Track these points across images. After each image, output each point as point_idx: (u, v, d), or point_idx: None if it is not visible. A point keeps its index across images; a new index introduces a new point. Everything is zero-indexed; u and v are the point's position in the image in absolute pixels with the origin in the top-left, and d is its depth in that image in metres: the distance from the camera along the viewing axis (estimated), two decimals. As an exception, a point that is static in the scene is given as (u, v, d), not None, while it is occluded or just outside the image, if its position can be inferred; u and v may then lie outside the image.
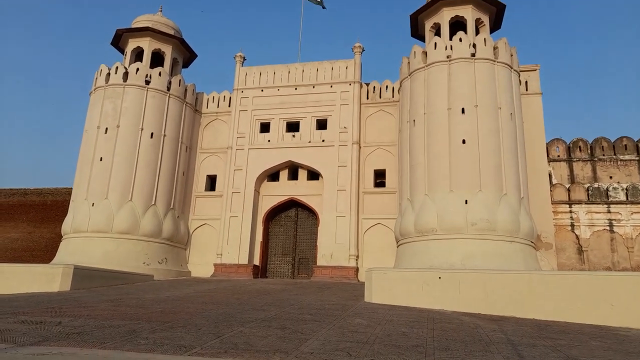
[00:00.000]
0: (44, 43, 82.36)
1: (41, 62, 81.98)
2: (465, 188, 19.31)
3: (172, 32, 27.30)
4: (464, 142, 19.95)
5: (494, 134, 20.15)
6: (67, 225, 23.30)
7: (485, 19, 23.21)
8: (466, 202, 19.08)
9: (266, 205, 25.93)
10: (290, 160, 25.68)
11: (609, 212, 22.90)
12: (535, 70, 25.21)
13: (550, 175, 24.44)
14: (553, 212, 23.08)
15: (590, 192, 23.42)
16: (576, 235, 22.88)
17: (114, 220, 22.53)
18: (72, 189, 24.69)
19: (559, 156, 25.26)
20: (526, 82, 24.87)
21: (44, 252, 27.68)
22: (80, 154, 24.66)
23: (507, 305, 12.79)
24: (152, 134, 24.50)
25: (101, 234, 22.35)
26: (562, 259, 22.49)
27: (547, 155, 24.55)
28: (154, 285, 19.89)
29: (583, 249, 22.65)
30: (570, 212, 23.18)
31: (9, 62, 79.46)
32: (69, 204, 24.56)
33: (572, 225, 23.02)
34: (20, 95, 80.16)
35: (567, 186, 23.87)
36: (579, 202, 23.25)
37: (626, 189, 23.07)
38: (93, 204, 22.78)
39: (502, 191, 19.45)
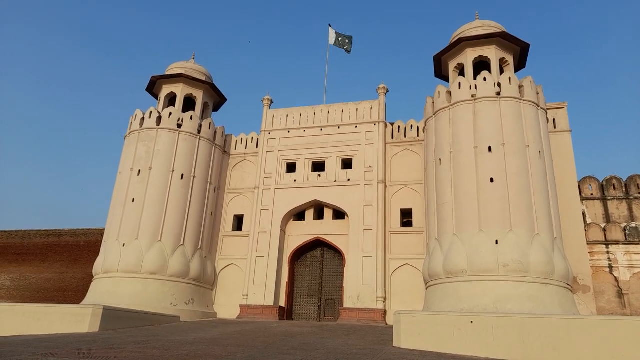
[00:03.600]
0: (85, 90, 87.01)
1: (80, 108, 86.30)
2: (495, 228, 18.83)
3: (203, 77, 28.48)
4: (492, 180, 19.62)
5: (523, 172, 19.77)
6: (98, 265, 23.73)
7: (510, 58, 23.32)
8: (497, 242, 18.54)
9: (292, 245, 25.86)
10: (315, 200, 25.75)
11: (649, 252, 21.80)
12: (563, 107, 24.92)
13: (584, 215, 23.63)
14: (589, 252, 22.14)
15: (627, 231, 22.45)
16: (615, 277, 21.78)
17: (144, 260, 22.84)
18: (104, 229, 25.31)
19: (592, 195, 24.48)
20: (554, 120, 24.56)
21: (75, 292, 28.14)
22: (114, 195, 25.41)
23: (543, 351, 12.15)
24: (182, 175, 25.12)
25: (131, 274, 22.63)
26: (602, 303, 21.34)
27: (580, 194, 23.82)
28: (181, 326, 19.82)
29: (623, 292, 21.48)
30: (608, 252, 22.18)
31: (53, 108, 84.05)
32: (101, 244, 25.10)
33: (610, 267, 21.97)
34: (58, 140, 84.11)
35: (603, 226, 22.97)
36: (617, 243, 22.27)
37: (666, 228, 22.02)
38: (124, 244, 23.22)
39: (534, 231, 18.86)
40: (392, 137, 26.17)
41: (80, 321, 16.96)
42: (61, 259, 30.20)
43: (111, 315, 17.76)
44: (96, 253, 25.70)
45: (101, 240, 25.33)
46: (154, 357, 11.19)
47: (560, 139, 23.95)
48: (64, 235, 31.08)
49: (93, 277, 24.09)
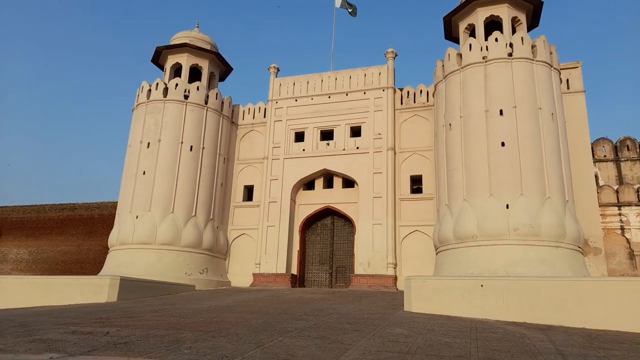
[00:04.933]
0: (91, 62, 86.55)
1: (89, 80, 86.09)
2: (505, 192, 18.75)
3: (208, 46, 28.12)
4: (503, 144, 19.41)
5: (535, 136, 19.50)
6: (113, 237, 24.23)
7: (522, 17, 22.61)
8: (507, 206, 18.51)
9: (302, 214, 26.08)
10: (325, 169, 25.76)
11: (662, 213, 21.65)
12: (577, 67, 24.28)
13: (596, 177, 23.41)
14: (601, 215, 22.05)
15: (641, 193, 22.24)
16: (627, 239, 21.74)
17: (157, 232, 23.25)
18: (117, 202, 25.69)
19: (605, 156, 24.16)
20: (567, 80, 24.00)
21: (92, 264, 28.88)
22: (124, 168, 25.65)
23: (554, 313, 12.30)
24: (191, 146, 25.20)
25: (145, 245, 23.10)
26: (613, 265, 21.40)
27: (593, 156, 23.52)
28: (196, 295, 20.33)
29: (635, 253, 21.48)
30: (620, 214, 22.07)
31: (61, 84, 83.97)
32: (114, 217, 25.55)
33: (622, 229, 21.90)
34: (68, 113, 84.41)
35: (615, 187, 22.76)
36: (629, 204, 22.11)
37: (681, 189, 21.77)
38: (137, 216, 23.60)
39: (545, 194, 18.76)
40: (401, 103, 25.83)
41: (98, 292, 17.49)
42: (77, 232, 30.87)
43: (128, 286, 18.27)
44: (110, 225, 26.19)
45: (115, 213, 25.78)
46: (172, 324, 11.54)
47: (574, 100, 23.46)
48: (78, 208, 31.65)
49: (109, 249, 24.65)
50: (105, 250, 26.43)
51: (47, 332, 10.38)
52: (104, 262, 24.97)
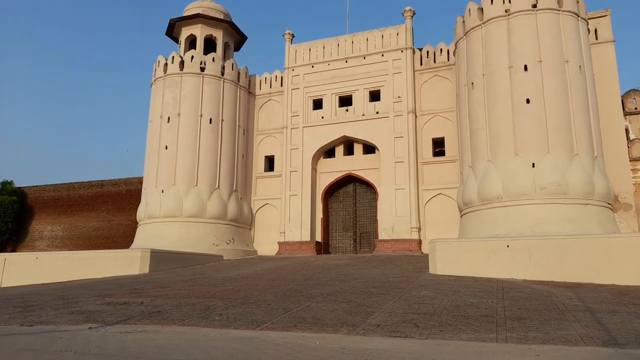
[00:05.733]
0: (106, 37, 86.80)
1: (102, 54, 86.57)
2: (531, 151, 18.31)
3: (221, 16, 27.75)
4: (527, 101, 18.82)
5: (561, 91, 18.81)
6: (141, 212, 24.89)
7: (546, -34, 21.38)
8: (533, 165, 18.12)
9: (324, 182, 26.13)
10: (344, 136, 25.57)
11: (697, 166, 20.81)
12: (606, 16, 23.03)
13: (627, 130, 22.55)
14: (632, 170, 21.35)
15: (675, 145, 21.37)
16: (659, 193, 21.07)
17: (183, 205, 23.75)
18: (142, 178, 26.21)
19: (636, 109, 23.18)
20: (595, 30, 22.83)
21: (123, 238, 29.82)
22: (147, 144, 26.02)
23: (583, 271, 12.16)
24: (210, 119, 25.30)
25: (172, 218, 23.67)
26: (645, 220, 20.84)
27: (623, 109, 22.59)
28: (224, 264, 20.88)
29: (668, 207, 20.85)
30: (652, 168, 21.30)
31: (79, 60, 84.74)
32: (141, 192, 26.15)
33: (655, 183, 21.19)
34: (86, 91, 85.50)
35: (648, 141, 21.90)
36: (662, 158, 21.30)
37: None
38: (163, 190, 24.10)
39: (573, 151, 18.24)
40: (421, 64, 25.16)
41: (131, 264, 18.14)
42: (106, 208, 31.79)
43: (159, 257, 18.88)
44: (138, 200, 26.84)
45: (141, 188, 26.35)
46: (202, 293, 11.91)
47: (602, 51, 22.38)
48: (106, 185, 32.48)
49: (138, 223, 25.36)
50: (134, 224, 27.19)
51: (85, 304, 10.86)
52: (134, 236, 25.75)
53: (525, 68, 19.19)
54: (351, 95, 25.96)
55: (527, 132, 18.52)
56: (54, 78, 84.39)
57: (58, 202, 33.43)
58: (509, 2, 20.19)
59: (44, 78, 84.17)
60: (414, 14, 25.94)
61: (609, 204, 18.59)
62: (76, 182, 33.53)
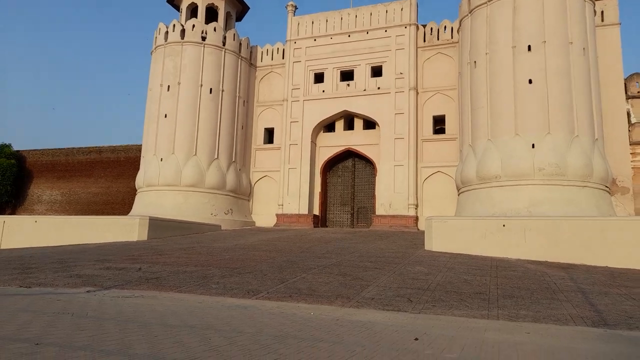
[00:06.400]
0: (111, 4, 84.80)
1: (110, 24, 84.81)
2: (531, 131, 18.17)
3: (223, -16, 27.03)
4: (530, 82, 18.55)
5: (564, 72, 18.52)
6: (140, 179, 24.81)
7: (557, -57, 20.74)
8: (533, 146, 18.01)
9: (323, 156, 26.02)
10: (345, 110, 25.32)
11: (696, 152, 20.73)
12: (614, -3, 22.49)
13: (628, 114, 22.38)
14: (631, 153, 21.28)
15: (674, 131, 21.24)
16: (657, 178, 21.06)
17: (182, 174, 23.65)
18: (141, 145, 26.02)
19: (639, 92, 22.92)
20: (602, 12, 22.35)
21: (122, 205, 29.81)
22: (146, 111, 25.73)
23: (577, 252, 12.23)
24: (210, 89, 24.95)
25: (171, 187, 23.61)
26: (640, 204, 20.91)
27: (626, 92, 22.35)
28: (222, 234, 20.96)
29: (664, 192, 20.88)
30: (651, 153, 21.22)
31: (82, 31, 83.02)
32: (140, 160, 26.00)
33: (653, 168, 21.14)
34: (87, 56, 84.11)
35: (648, 125, 21.75)
36: (661, 143, 21.20)
37: None
38: (162, 159, 23.96)
39: (574, 133, 18.11)
40: (424, 41, 24.71)
41: (129, 231, 18.17)
42: (105, 175, 31.66)
43: (157, 225, 18.91)
44: (137, 168, 26.72)
45: (140, 156, 26.19)
46: (199, 261, 11.95)
47: (608, 33, 21.96)
48: (104, 151, 32.26)
49: (136, 190, 25.32)
50: (132, 191, 27.15)
51: (83, 268, 10.89)
52: (132, 203, 25.74)
53: (529, 48, 18.84)
54: (353, 70, 25.59)
55: (528, 112, 18.33)
56: (54, 42, 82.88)
57: (57, 167, 33.26)
58: (518, -21, 19.65)
59: (44, 43, 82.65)
60: (420, -12, 25.33)
61: (606, 187, 18.58)
62: (74, 148, 33.29)
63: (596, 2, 21.45)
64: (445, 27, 24.54)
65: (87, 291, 8.21)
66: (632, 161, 21.21)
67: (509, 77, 18.92)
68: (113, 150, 32.04)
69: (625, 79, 22.57)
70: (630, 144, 21.32)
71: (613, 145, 20.41)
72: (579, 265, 11.76)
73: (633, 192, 20.88)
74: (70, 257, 13.18)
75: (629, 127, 21.63)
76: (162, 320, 5.64)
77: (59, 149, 33.86)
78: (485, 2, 20.30)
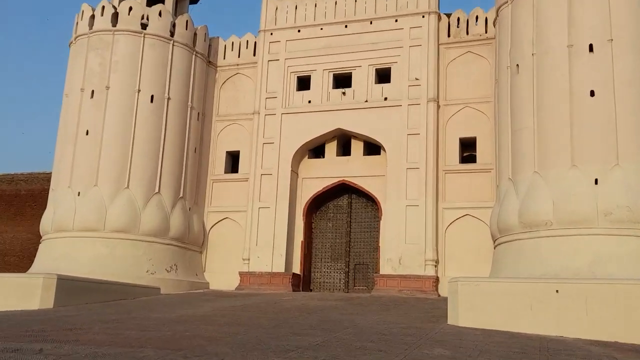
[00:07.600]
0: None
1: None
2: (594, 162, 18.56)
3: (173, -46, 27.75)
4: (592, 94, 19.11)
5: (638, 81, 19.15)
6: (46, 221, 24.55)
7: None
8: (596, 181, 18.37)
9: (308, 191, 26.17)
10: (339, 129, 25.67)
11: None
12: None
13: None
14: None
15: None
16: None
17: (107, 213, 23.50)
18: (51, 174, 25.89)
19: None
20: (688, 2, 23.36)
21: (20, 257, 29.38)
22: (60, 126, 25.80)
23: (658, 330, 12.31)
24: (152, 96, 25.16)
25: (91, 232, 23.39)
26: None
27: None
28: (162, 300, 20.68)
29: None
30: None
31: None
32: (48, 193, 25.82)
33: None
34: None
35: None
36: None
37: None
38: (79, 193, 23.82)
39: (652, 164, 18.56)
40: (449, 36, 25.44)
41: (29, 294, 17.84)
42: (-3, 214, 31.31)
43: (68, 287, 18.61)
44: (43, 205, 26.49)
45: (48, 188, 26.04)
46: (128, 339, 11.76)
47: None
48: (-2, 182, 32.02)
49: (41, 237, 25.03)
50: (36, 238, 26.82)
51: (-41, 349, 10.63)
52: (34, 255, 25.38)
53: (591, 48, 19.50)
54: (350, 74, 26.11)
55: (590, 135, 18.78)
56: None
57: None
58: (573, -43, 20.55)
59: None
60: (442, -35, 26.30)
61: (697, 239, 18.91)
62: (-45, 176, 33.00)
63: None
64: (477, 17, 25.36)
65: (-36, 382, 8.02)
66: None
67: (563, 87, 19.47)
68: (10, 179, 31.81)
69: None
70: None
71: None
72: (662, 349, 11.84)
73: None
74: (-59, 331, 12.88)
75: None
76: None
77: None
78: (531, -13, 21.11)
